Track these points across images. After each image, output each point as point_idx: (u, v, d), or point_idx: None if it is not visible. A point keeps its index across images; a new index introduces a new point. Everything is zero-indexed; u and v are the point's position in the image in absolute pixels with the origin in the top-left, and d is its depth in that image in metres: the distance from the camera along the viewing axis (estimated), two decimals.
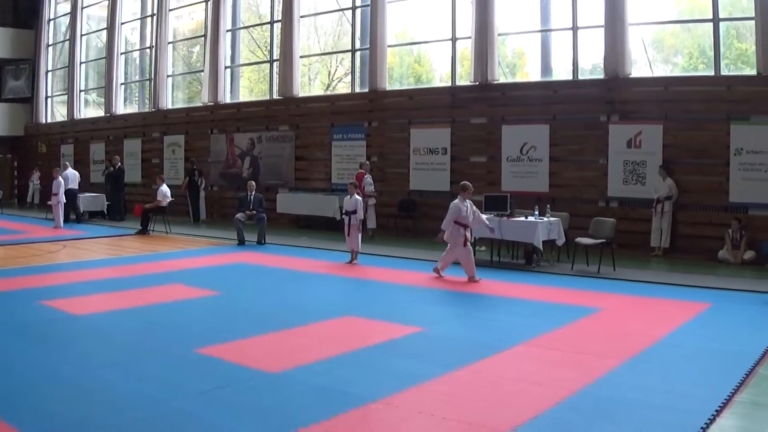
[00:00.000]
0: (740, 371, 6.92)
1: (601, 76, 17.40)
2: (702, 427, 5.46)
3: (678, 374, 6.94)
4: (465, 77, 20.06)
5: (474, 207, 12.84)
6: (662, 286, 12.15)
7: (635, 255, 15.46)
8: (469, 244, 12.61)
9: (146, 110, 29.44)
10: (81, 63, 32.76)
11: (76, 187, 24.19)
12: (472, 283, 12.29)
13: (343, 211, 15.16)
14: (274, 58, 24.68)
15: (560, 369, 7.11)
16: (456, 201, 12.67)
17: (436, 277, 12.82)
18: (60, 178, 22.21)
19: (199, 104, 26.91)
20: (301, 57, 23.85)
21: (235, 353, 7.62)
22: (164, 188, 20.77)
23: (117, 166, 25.25)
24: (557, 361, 7.40)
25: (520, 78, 20.44)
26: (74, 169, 26.28)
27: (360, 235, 14.88)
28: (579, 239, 13.95)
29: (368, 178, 19.09)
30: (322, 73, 25.90)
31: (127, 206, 25.34)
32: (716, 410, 5.82)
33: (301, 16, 23.67)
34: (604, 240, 13.65)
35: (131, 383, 6.52)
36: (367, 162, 19.64)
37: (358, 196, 14.92)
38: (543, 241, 13.80)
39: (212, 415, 5.74)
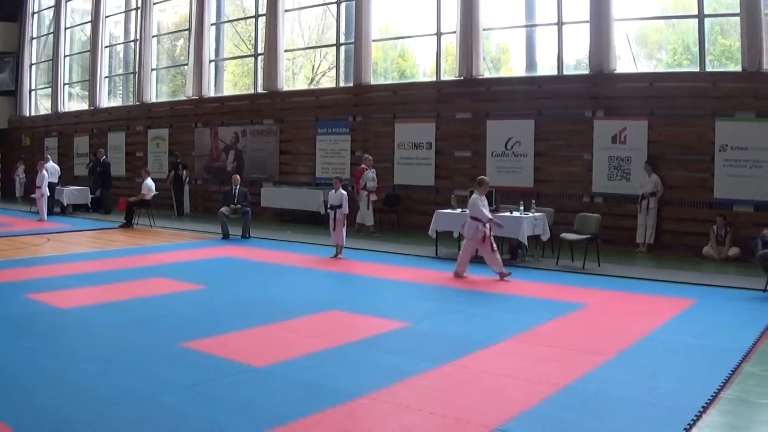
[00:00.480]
0: (726, 368, 6.94)
1: (586, 72, 17.44)
2: (689, 424, 5.47)
3: (664, 370, 6.95)
4: (449, 72, 20.06)
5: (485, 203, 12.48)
6: (647, 282, 12.19)
7: (620, 251, 15.51)
8: (489, 239, 12.24)
9: (130, 104, 29.28)
10: (65, 56, 32.55)
11: (56, 181, 24.06)
12: (459, 279, 12.27)
13: (329, 206, 15.09)
14: (259, 52, 24.60)
15: (547, 365, 7.10)
16: (474, 196, 12.37)
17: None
18: (44, 171, 22.11)
19: (183, 98, 26.78)
20: (285, 51, 23.79)
21: (221, 347, 7.58)
22: (149, 182, 20.68)
23: (102, 160, 25.15)
24: (544, 357, 7.39)
25: (504, 73, 20.46)
26: (58, 162, 26.27)
27: (345, 230, 14.82)
28: (564, 235, 13.95)
29: (369, 173, 18.97)
30: (306, 68, 25.82)
31: (111, 199, 25.14)
32: (703, 407, 5.83)
33: (286, 11, 23.59)
34: (589, 236, 13.66)
35: (117, 377, 6.48)
36: (370, 157, 19.40)
37: (343, 191, 14.84)
38: (528, 237, 13.76)
39: (198, 410, 5.72)
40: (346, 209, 14.68)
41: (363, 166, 19.11)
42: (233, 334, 8.27)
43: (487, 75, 19.29)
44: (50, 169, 23.36)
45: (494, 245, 12.31)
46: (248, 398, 6.04)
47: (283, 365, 6.98)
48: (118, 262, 13.87)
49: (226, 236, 17.65)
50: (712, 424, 5.60)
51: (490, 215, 12.24)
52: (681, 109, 15.91)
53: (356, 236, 17.48)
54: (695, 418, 5.61)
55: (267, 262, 14.28)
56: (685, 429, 5.38)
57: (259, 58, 24.52)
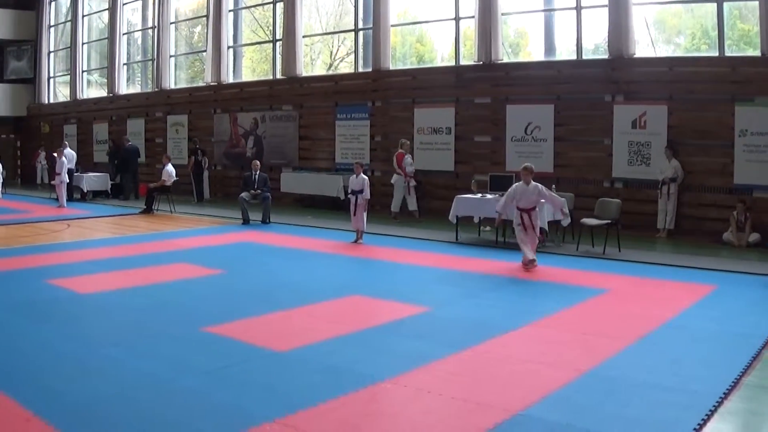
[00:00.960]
0: (747, 354, 6.91)
1: (605, 56, 17.33)
2: (711, 409, 5.47)
3: (685, 356, 6.94)
4: (468, 57, 20.00)
5: (541, 188, 12.08)
6: (668, 267, 12.10)
7: (639, 236, 15.40)
8: (532, 229, 11.98)
9: (149, 90, 29.41)
10: (83, 43, 32.69)
11: (73, 167, 24.17)
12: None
13: (349, 191, 15.11)
14: (277, 38, 24.60)
15: (568, 350, 7.11)
16: (516, 184, 12.30)
17: (524, 265, 11.96)
18: (63, 158, 22.22)
19: (202, 84, 26.87)
20: (303, 37, 23.77)
21: (242, 332, 7.65)
22: (169, 168, 20.76)
23: (127, 145, 25.31)
24: (565, 342, 7.40)
25: (522, 58, 20.39)
26: (77, 149, 26.50)
27: (366, 215, 14.82)
28: (584, 220, 13.89)
29: (408, 158, 18.92)
30: (324, 53, 25.82)
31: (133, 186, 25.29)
32: (724, 393, 5.83)
33: None
34: (610, 221, 13.61)
35: (137, 362, 6.55)
36: (408, 142, 19.31)
37: (364, 176, 14.84)
38: (548, 222, 13.73)
39: (221, 393, 5.76)
40: (367, 194, 14.69)
41: (401, 150, 19.00)
42: (254, 318, 8.32)
43: (505, 60, 19.21)
44: (68, 155, 23.47)
45: (537, 235, 12.27)
46: (270, 382, 6.09)
47: (305, 350, 7.01)
48: (139, 248, 13.98)
49: (246, 221, 17.72)
50: (733, 410, 5.59)
51: (499, 208, 12.38)
52: (701, 94, 15.78)
53: (393, 223, 17.84)
54: (717, 403, 5.60)
55: (287, 247, 14.31)
56: (707, 414, 5.38)
57: (278, 44, 24.53)
